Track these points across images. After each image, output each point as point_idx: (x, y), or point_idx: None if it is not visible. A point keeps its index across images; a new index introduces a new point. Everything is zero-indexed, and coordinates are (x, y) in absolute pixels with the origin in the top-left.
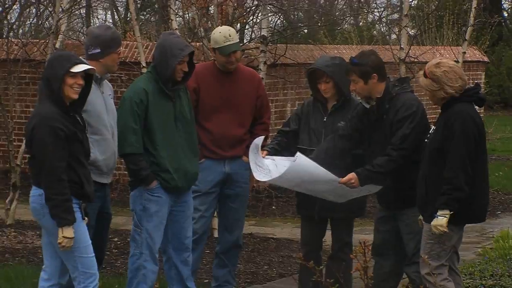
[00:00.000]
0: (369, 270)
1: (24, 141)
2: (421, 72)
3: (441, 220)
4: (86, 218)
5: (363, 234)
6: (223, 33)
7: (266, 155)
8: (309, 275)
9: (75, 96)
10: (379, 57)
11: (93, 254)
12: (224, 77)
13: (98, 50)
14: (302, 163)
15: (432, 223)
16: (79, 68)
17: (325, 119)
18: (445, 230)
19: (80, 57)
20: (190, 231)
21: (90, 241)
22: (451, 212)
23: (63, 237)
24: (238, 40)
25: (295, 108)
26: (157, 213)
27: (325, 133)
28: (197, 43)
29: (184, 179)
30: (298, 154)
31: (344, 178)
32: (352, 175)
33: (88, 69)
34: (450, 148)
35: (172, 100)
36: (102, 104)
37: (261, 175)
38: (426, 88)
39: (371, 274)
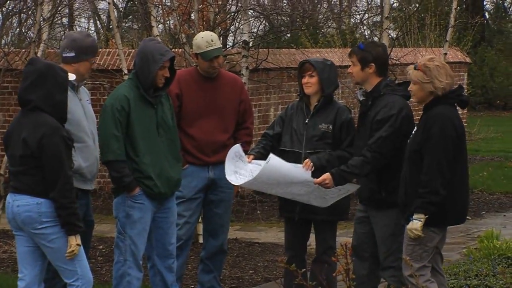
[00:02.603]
0: (351, 272)
1: (20, 150)
2: (411, 66)
3: (415, 223)
4: None
5: (347, 237)
6: (205, 38)
7: (253, 159)
8: (293, 279)
9: None
10: (386, 53)
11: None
12: (207, 82)
13: (72, 54)
14: (275, 164)
15: (407, 226)
16: (72, 77)
17: (306, 121)
18: (420, 234)
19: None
20: (174, 238)
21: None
22: (426, 216)
23: (77, 244)
24: (220, 45)
25: (278, 112)
26: (141, 219)
27: (306, 135)
28: (179, 50)
29: (167, 185)
30: (271, 155)
31: (318, 179)
32: (326, 175)
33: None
34: (427, 150)
35: (153, 107)
36: (81, 111)
37: (239, 179)
38: (416, 80)
39: (353, 276)
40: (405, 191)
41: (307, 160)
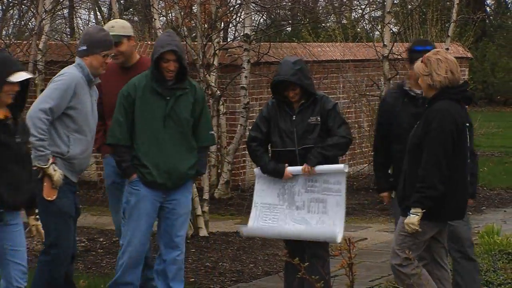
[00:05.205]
0: (353, 267)
1: None
2: (420, 58)
3: (413, 218)
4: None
5: (349, 231)
6: (108, 25)
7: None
8: (294, 273)
9: (10, 101)
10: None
11: None
12: (124, 72)
13: (84, 48)
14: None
15: (404, 220)
16: (17, 77)
17: (294, 118)
18: (417, 228)
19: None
20: (182, 230)
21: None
22: (423, 210)
23: None
24: (122, 33)
25: None
26: (137, 205)
27: (296, 131)
28: (181, 42)
29: (167, 176)
30: (255, 170)
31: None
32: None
33: (27, 79)
34: (426, 145)
35: (165, 99)
36: (90, 106)
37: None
38: (418, 71)
39: (355, 271)
40: (403, 185)
41: (304, 166)
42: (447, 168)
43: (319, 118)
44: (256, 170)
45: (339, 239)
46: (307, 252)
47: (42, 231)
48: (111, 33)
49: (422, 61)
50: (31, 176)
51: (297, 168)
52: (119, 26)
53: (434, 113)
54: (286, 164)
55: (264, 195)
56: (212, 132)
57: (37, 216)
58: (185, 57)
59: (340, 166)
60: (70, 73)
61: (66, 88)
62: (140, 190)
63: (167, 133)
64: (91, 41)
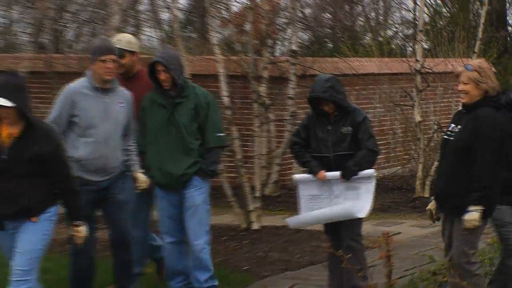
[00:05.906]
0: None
1: None
2: (461, 68)
3: (474, 215)
4: None
5: (384, 227)
6: (116, 37)
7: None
8: (337, 263)
9: None
10: None
11: None
12: (125, 81)
13: (90, 57)
14: (300, 178)
15: (465, 217)
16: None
17: (329, 128)
18: (477, 224)
19: None
20: (190, 223)
21: None
22: (483, 208)
23: None
24: (128, 48)
25: None
26: (159, 205)
27: (331, 140)
28: (235, 57)
29: (169, 178)
30: (294, 176)
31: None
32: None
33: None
34: (481, 149)
35: (166, 108)
36: (100, 111)
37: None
38: (473, 79)
39: (393, 262)
40: (447, 185)
41: (340, 177)
42: (499, 170)
43: (350, 128)
44: (295, 176)
45: (358, 213)
46: (343, 244)
47: (81, 239)
48: (116, 46)
49: (474, 70)
50: (28, 188)
51: (334, 174)
52: (125, 40)
53: (483, 119)
54: (324, 170)
55: (308, 188)
56: (220, 134)
57: (76, 227)
58: (176, 67)
59: (370, 171)
60: (68, 87)
61: (63, 100)
62: (157, 191)
63: (167, 138)
64: (92, 50)
